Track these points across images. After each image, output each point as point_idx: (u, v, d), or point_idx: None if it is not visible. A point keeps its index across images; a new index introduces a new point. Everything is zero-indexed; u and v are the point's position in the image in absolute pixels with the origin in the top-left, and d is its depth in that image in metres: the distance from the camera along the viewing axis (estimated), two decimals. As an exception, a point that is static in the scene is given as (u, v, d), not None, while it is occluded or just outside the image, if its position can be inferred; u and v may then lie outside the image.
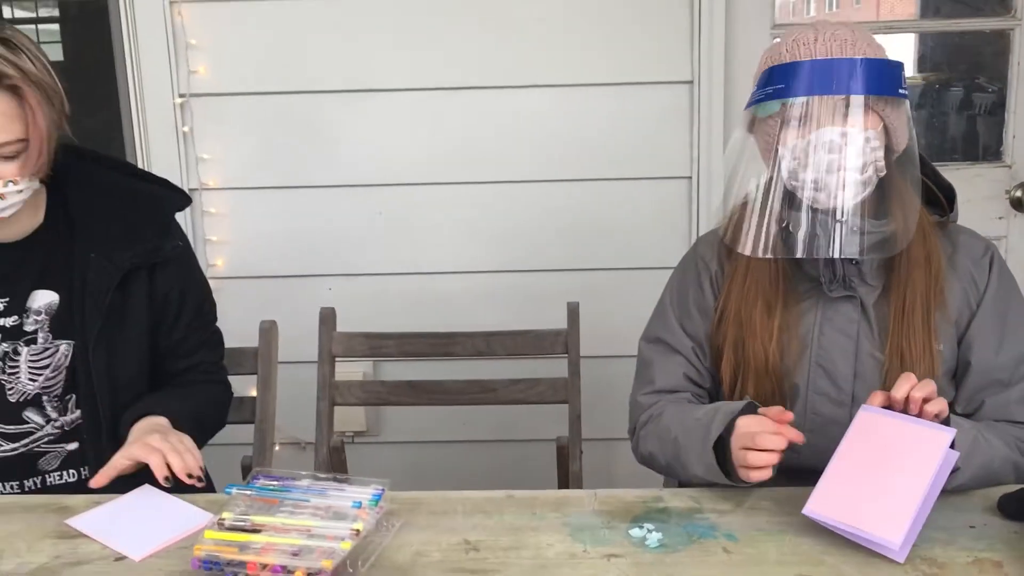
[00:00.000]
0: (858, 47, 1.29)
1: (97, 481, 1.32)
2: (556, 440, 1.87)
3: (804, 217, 1.32)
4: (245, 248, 2.44)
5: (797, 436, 1.24)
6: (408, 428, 2.52)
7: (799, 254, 1.33)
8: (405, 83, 2.39)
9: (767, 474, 1.23)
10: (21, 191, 1.36)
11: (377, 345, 1.94)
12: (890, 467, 1.15)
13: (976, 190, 2.48)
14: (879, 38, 1.37)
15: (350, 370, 2.27)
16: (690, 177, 2.40)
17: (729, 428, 1.29)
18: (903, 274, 1.38)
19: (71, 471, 1.50)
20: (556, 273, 2.44)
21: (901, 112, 1.31)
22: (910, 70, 3.07)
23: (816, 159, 1.28)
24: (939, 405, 1.19)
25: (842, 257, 1.34)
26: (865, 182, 1.30)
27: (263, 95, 2.41)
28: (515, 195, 2.42)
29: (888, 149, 1.32)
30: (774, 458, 1.23)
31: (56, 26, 3.12)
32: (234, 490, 1.23)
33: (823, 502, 1.16)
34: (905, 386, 1.19)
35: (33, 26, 3.10)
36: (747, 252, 1.34)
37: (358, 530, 1.15)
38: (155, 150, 2.42)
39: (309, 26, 2.36)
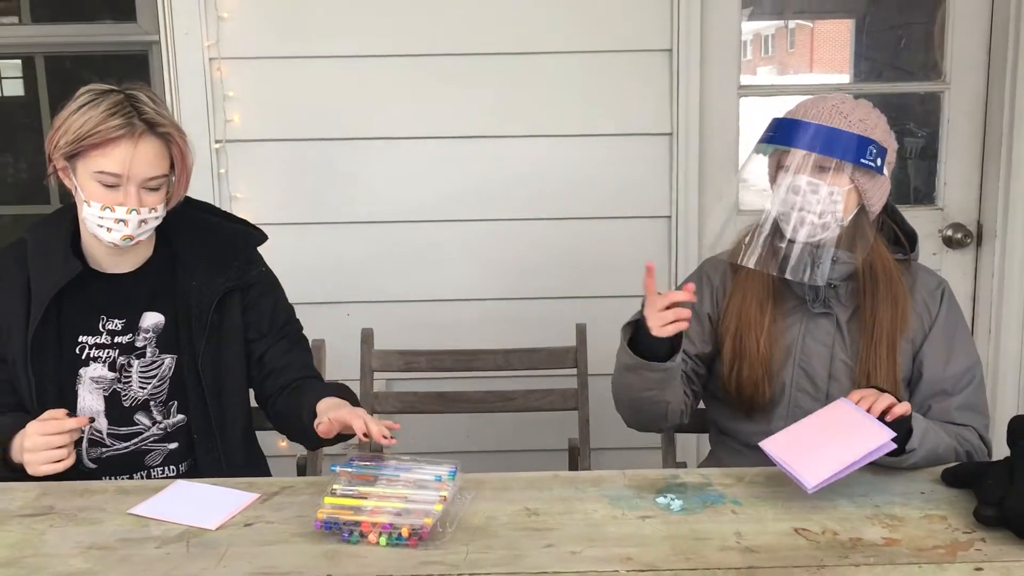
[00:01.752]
0: (850, 119, 1.63)
1: (324, 430, 1.56)
2: (568, 441, 2.17)
3: (789, 244, 1.66)
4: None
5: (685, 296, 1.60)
6: (420, 439, 2.78)
7: (773, 271, 1.68)
8: (419, 132, 2.69)
9: (681, 326, 1.60)
10: (158, 218, 1.65)
11: (411, 361, 2.23)
12: (835, 438, 1.49)
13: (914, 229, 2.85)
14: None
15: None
16: (669, 216, 2.74)
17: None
18: (871, 308, 1.72)
19: (171, 467, 1.76)
20: (553, 300, 2.75)
21: (877, 182, 1.66)
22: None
23: (785, 197, 1.64)
24: (903, 408, 1.52)
25: (802, 280, 1.69)
26: (823, 225, 1.65)
27: (291, 141, 2.70)
28: (517, 231, 2.74)
29: (863, 208, 1.67)
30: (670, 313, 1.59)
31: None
32: (337, 468, 1.50)
33: (776, 444, 1.51)
34: (869, 402, 1.52)
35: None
36: (748, 264, 1.68)
37: (445, 496, 1.44)
38: (193, 190, 2.63)
39: (333, 81, 2.66)
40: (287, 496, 1.56)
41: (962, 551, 1.34)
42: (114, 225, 1.60)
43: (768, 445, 1.52)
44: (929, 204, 2.91)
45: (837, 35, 3.26)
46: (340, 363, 2.40)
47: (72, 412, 1.66)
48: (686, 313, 1.61)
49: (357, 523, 1.39)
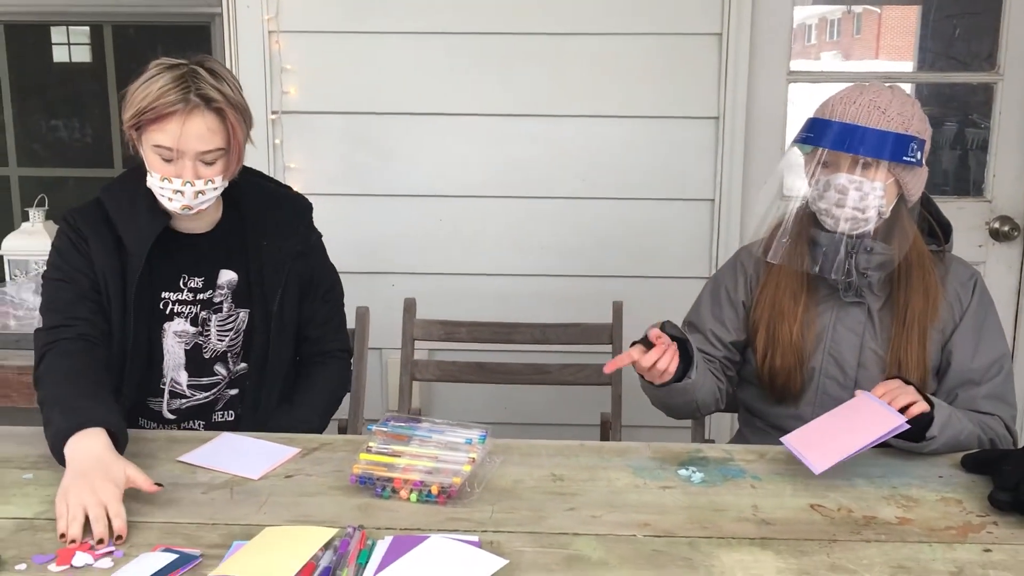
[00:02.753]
0: (888, 114, 1.64)
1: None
2: (600, 416, 2.23)
3: (825, 236, 1.69)
4: (322, 246, 2.81)
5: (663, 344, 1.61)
6: (456, 409, 2.88)
7: (810, 270, 1.71)
8: (467, 109, 2.76)
9: (668, 368, 1.61)
10: (216, 188, 1.72)
11: (452, 331, 2.30)
12: (848, 428, 1.53)
13: (960, 221, 2.82)
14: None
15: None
16: (713, 200, 2.77)
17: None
18: (904, 298, 1.75)
19: (230, 411, 1.88)
20: (593, 279, 2.80)
21: (916, 173, 1.68)
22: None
23: (829, 195, 1.66)
24: (921, 407, 1.55)
25: (844, 276, 1.71)
26: (867, 219, 1.67)
27: (344, 114, 2.78)
28: (560, 210, 2.79)
29: (902, 197, 1.69)
30: (657, 359, 1.60)
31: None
32: (374, 427, 1.58)
33: (794, 438, 1.57)
34: (891, 396, 1.56)
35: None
36: (776, 261, 1.71)
37: (474, 458, 1.50)
38: (249, 159, 2.73)
39: (387, 57, 2.73)
40: (326, 452, 1.64)
41: (973, 533, 1.37)
42: (173, 195, 1.69)
43: (786, 439, 1.57)
44: (977, 196, 2.90)
45: (904, 21, 3.24)
46: (383, 331, 2.49)
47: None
48: (667, 350, 1.62)
49: (390, 479, 1.46)
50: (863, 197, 1.66)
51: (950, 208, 2.85)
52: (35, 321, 2.43)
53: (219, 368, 1.85)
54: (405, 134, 2.78)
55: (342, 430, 2.16)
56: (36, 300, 2.46)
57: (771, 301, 1.81)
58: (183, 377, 1.83)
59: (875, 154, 1.64)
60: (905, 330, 1.75)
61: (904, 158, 1.65)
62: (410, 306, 2.30)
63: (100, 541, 1.30)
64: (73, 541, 1.30)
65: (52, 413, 1.53)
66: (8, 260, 2.52)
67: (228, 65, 2.74)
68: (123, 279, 1.75)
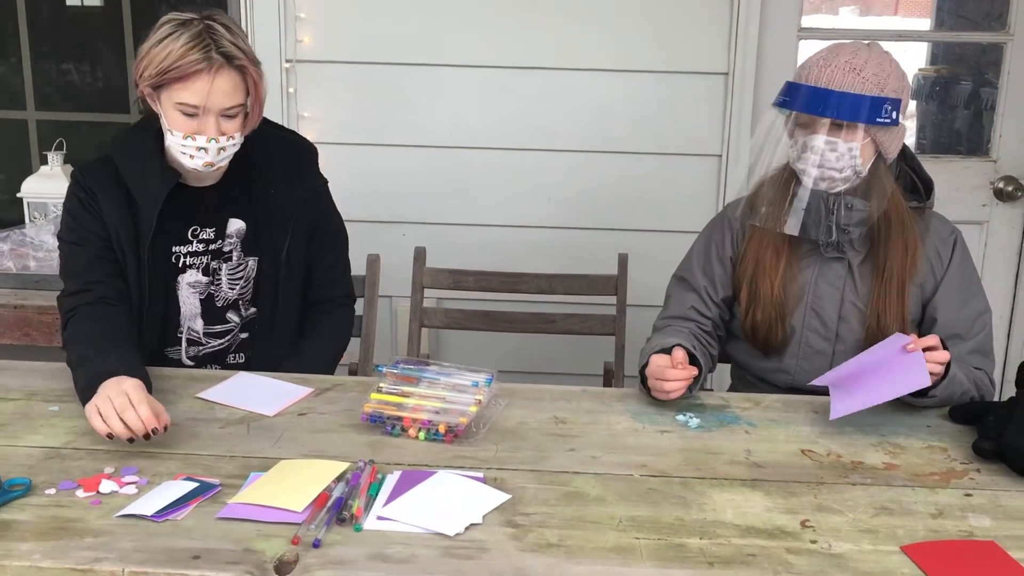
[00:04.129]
0: (863, 75, 1.67)
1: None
2: (604, 364, 2.29)
3: (803, 194, 1.74)
4: (334, 195, 2.85)
5: (690, 372, 1.64)
6: (463, 357, 2.93)
7: (791, 231, 1.75)
8: (479, 60, 2.78)
9: (674, 396, 1.64)
10: (236, 144, 1.76)
11: (459, 279, 2.36)
12: (879, 374, 1.58)
13: (965, 180, 2.88)
14: (892, 44, 1.75)
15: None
16: (720, 155, 2.80)
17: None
18: (883, 252, 1.79)
19: (240, 354, 1.95)
20: (600, 231, 2.85)
21: (892, 132, 1.72)
22: (923, 62, 3.45)
23: (806, 155, 1.70)
24: (943, 356, 1.60)
25: (818, 237, 1.76)
26: (844, 179, 1.72)
27: (358, 64, 2.80)
28: (569, 162, 2.83)
29: (880, 157, 1.73)
30: (676, 386, 1.63)
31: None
32: (384, 369, 1.65)
33: (827, 377, 1.63)
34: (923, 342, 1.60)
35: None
36: (760, 224, 1.76)
37: (480, 400, 1.57)
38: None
39: (401, 7, 2.75)
40: (338, 392, 1.71)
41: (956, 479, 1.43)
42: (196, 152, 1.72)
43: (821, 379, 1.63)
44: (982, 155, 2.93)
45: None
46: (393, 279, 2.55)
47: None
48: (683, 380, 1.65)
49: (399, 418, 1.53)
50: (839, 158, 1.70)
51: (956, 168, 2.93)
52: (54, 262, 2.50)
53: (231, 315, 1.91)
54: (417, 85, 2.81)
55: (352, 374, 2.23)
56: (54, 242, 2.53)
57: (754, 257, 1.86)
58: (199, 325, 1.89)
59: (850, 117, 1.67)
60: (884, 284, 1.79)
61: (878, 120, 1.69)
62: (420, 254, 2.36)
63: (147, 436, 1.42)
64: (131, 440, 1.43)
65: (79, 373, 1.60)
66: (28, 202, 2.58)
67: (242, 13, 2.78)
68: (136, 236, 1.80)
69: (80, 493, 1.32)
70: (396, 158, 2.86)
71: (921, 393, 1.62)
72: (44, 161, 2.63)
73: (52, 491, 1.32)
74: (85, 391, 1.52)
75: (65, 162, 2.61)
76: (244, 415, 1.60)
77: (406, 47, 2.78)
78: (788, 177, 1.78)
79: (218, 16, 1.74)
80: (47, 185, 2.58)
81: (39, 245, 2.53)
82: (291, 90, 2.80)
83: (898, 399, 1.64)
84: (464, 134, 2.83)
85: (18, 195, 2.58)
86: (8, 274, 2.47)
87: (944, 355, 1.60)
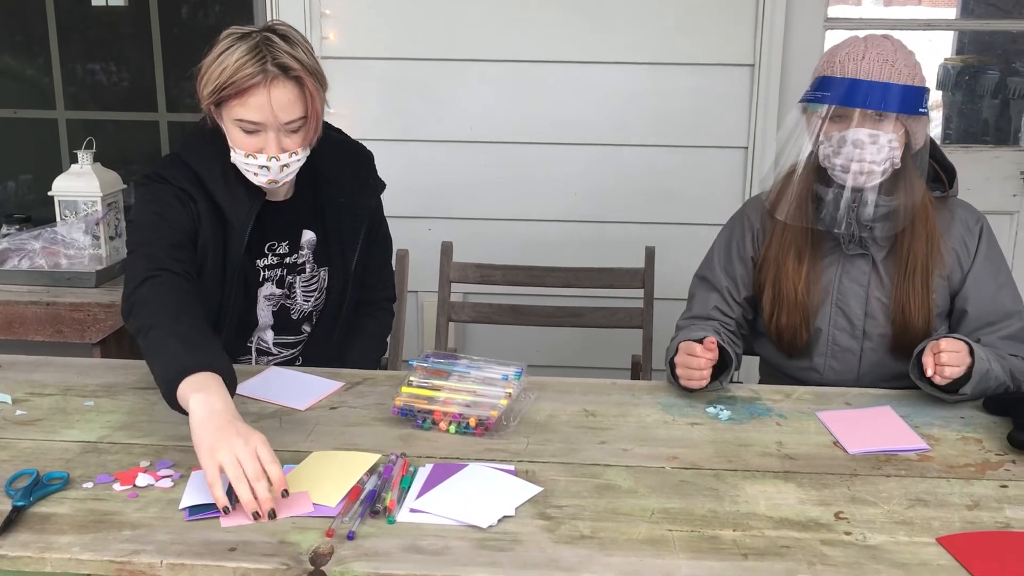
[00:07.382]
0: (896, 67, 1.66)
1: None
2: (631, 358, 2.28)
3: (832, 192, 1.72)
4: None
5: (712, 356, 1.64)
6: (490, 351, 2.94)
7: (824, 226, 1.73)
8: (502, 55, 2.79)
9: (702, 375, 1.64)
10: (300, 160, 1.71)
11: (487, 274, 2.37)
12: (877, 430, 1.56)
13: (995, 170, 2.84)
14: (918, 34, 1.74)
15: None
16: (747, 147, 2.79)
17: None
18: (907, 244, 1.77)
19: (300, 359, 1.95)
20: (626, 225, 2.85)
21: (921, 122, 1.71)
22: (949, 52, 3.42)
23: (846, 150, 1.68)
24: (953, 372, 1.58)
25: (849, 231, 1.74)
26: (883, 172, 1.70)
27: (384, 60, 2.82)
28: (594, 156, 2.83)
29: (908, 147, 1.72)
30: (704, 363, 1.63)
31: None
32: (415, 363, 1.65)
33: (829, 416, 1.61)
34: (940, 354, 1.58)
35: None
36: (783, 218, 1.75)
37: (510, 393, 1.57)
38: (289, 103, 2.83)
39: (424, 3, 2.75)
40: (368, 386, 1.72)
41: (991, 470, 1.42)
42: (259, 171, 1.69)
43: (823, 415, 1.61)
44: (1011, 145, 2.89)
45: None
46: (420, 274, 2.56)
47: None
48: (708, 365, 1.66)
49: (430, 411, 1.54)
50: (879, 150, 1.67)
51: (984, 157, 2.89)
52: (85, 259, 2.53)
53: (306, 327, 1.92)
54: (441, 80, 2.82)
55: (382, 368, 2.24)
56: (85, 239, 2.55)
57: (775, 259, 1.84)
58: (269, 336, 1.90)
59: (898, 108, 1.65)
60: (908, 276, 1.77)
61: (919, 109, 1.68)
62: (447, 249, 2.36)
63: (271, 515, 1.23)
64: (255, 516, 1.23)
65: (169, 341, 1.45)
66: (59, 200, 2.60)
67: (268, 10, 2.79)
68: (223, 250, 1.76)
69: (117, 487, 1.33)
70: (421, 153, 2.86)
71: (952, 390, 1.61)
72: (74, 160, 2.65)
73: (89, 484, 1.34)
74: (176, 370, 1.39)
75: (95, 160, 2.63)
76: (276, 409, 1.61)
77: (431, 43, 2.79)
78: (811, 172, 1.76)
79: (279, 27, 1.67)
80: (77, 183, 2.59)
81: (70, 243, 2.55)
82: (317, 87, 2.81)
83: (933, 395, 1.63)
84: (489, 129, 2.83)
85: (49, 193, 2.60)
86: (40, 272, 2.49)
87: (959, 358, 1.58)
